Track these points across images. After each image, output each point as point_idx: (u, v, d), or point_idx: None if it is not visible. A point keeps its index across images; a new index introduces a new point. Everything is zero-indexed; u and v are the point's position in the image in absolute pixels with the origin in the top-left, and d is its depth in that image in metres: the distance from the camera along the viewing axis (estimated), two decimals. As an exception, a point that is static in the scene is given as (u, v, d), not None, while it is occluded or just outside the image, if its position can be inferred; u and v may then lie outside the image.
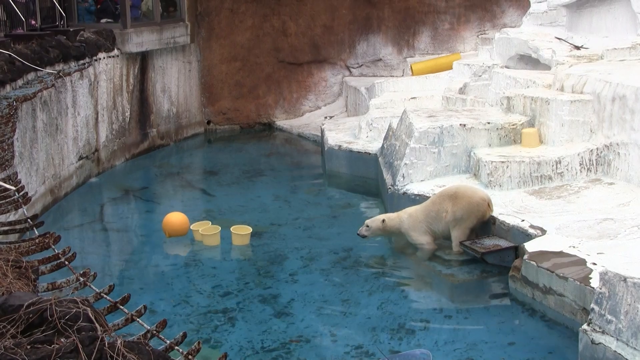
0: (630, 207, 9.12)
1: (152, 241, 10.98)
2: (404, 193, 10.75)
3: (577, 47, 13.20)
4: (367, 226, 10.04)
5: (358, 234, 10.07)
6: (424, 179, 10.81)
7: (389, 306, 8.39)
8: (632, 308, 5.89)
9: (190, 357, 5.41)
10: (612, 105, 10.22)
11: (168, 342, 5.60)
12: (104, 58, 14.81)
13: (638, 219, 8.63)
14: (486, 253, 9.02)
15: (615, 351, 6.00)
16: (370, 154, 13.29)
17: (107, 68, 14.94)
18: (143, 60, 16.40)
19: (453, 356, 7.19)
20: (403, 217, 9.95)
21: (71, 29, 14.65)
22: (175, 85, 17.79)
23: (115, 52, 15.31)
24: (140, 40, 15.91)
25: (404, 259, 9.87)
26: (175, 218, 10.77)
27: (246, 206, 12.48)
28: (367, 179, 13.15)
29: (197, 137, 18.58)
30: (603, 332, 6.19)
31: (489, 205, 9.38)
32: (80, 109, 13.76)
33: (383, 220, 10.02)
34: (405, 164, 10.93)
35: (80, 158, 13.80)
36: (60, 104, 12.86)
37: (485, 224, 9.47)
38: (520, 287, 8.12)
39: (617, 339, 6.02)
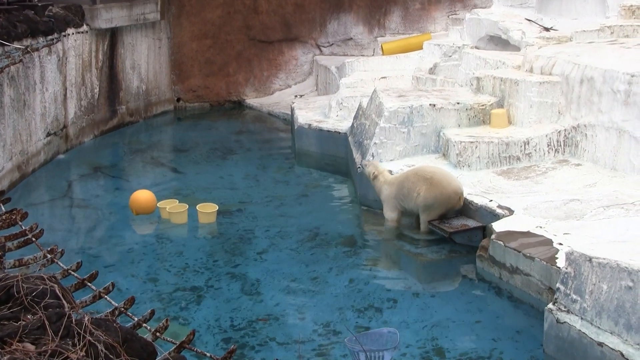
0: (597, 188, 9.22)
1: (121, 219, 10.92)
2: (374, 172, 10.76)
3: (547, 29, 13.28)
4: (366, 166, 10.34)
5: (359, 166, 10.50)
6: (393, 158, 10.84)
7: (357, 285, 8.42)
8: (597, 288, 5.97)
9: (158, 334, 5.41)
10: (580, 87, 10.30)
11: (136, 319, 5.60)
12: (73, 34, 14.65)
13: (604, 200, 8.73)
14: (454, 232, 9.09)
15: (579, 330, 6.08)
16: (340, 133, 13.29)
17: (76, 44, 14.78)
18: (112, 37, 16.24)
19: (420, 334, 7.24)
20: (384, 186, 10.00)
21: (39, 4, 14.46)
22: (145, 62, 17.65)
23: (84, 27, 15.14)
24: (109, 16, 15.74)
25: (373, 238, 9.91)
26: (142, 196, 10.72)
27: (215, 184, 12.45)
28: (336, 157, 13.16)
29: (167, 115, 18.47)
30: (568, 312, 6.26)
31: (460, 198, 9.33)
32: (49, 85, 13.61)
33: (375, 177, 10.13)
34: (375, 143, 10.95)
35: (48, 134, 13.67)
36: (28, 80, 12.72)
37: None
38: (488, 266, 8.19)
39: (582, 318, 6.10)
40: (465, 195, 9.38)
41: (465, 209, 9.34)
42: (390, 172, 10.30)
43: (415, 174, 9.71)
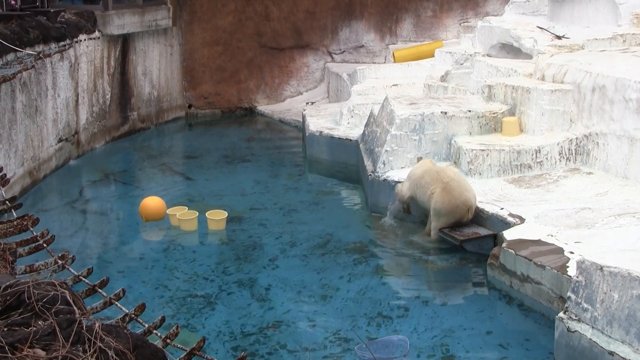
0: (608, 196, 9.19)
1: (132, 225, 10.95)
2: (384, 180, 10.77)
3: (559, 37, 13.25)
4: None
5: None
6: (404, 166, 10.83)
7: (368, 292, 8.42)
8: (608, 296, 5.95)
9: (168, 341, 5.41)
10: (592, 95, 10.27)
11: (146, 326, 5.60)
12: (85, 40, 14.71)
13: (615, 209, 8.70)
14: (465, 240, 9.07)
15: (590, 339, 6.06)
16: (351, 140, 13.29)
17: (88, 50, 14.84)
18: (124, 43, 16.30)
19: (430, 343, 7.23)
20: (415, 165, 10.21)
21: (51, 10, 14.54)
22: (157, 68, 17.70)
23: (97, 34, 15.20)
24: (121, 22, 15.80)
25: (384, 246, 9.89)
26: (152, 202, 10.74)
27: (226, 191, 12.47)
28: (347, 165, 13.16)
29: (178, 121, 18.50)
30: (579, 320, 6.24)
31: (468, 211, 9.26)
32: (60, 91, 13.67)
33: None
34: (386, 150, 10.95)
35: (60, 140, 13.72)
36: (40, 86, 12.78)
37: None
38: (498, 275, 8.17)
39: (593, 327, 6.08)
40: (477, 203, 9.35)
41: (477, 217, 9.32)
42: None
43: (437, 173, 9.65)
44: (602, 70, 10.37)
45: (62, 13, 14.52)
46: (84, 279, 6.31)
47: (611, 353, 5.83)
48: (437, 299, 8.34)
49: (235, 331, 7.58)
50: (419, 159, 10.61)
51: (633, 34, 12.41)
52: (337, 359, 6.98)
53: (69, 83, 14.05)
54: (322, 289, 8.57)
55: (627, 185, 9.48)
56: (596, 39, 12.44)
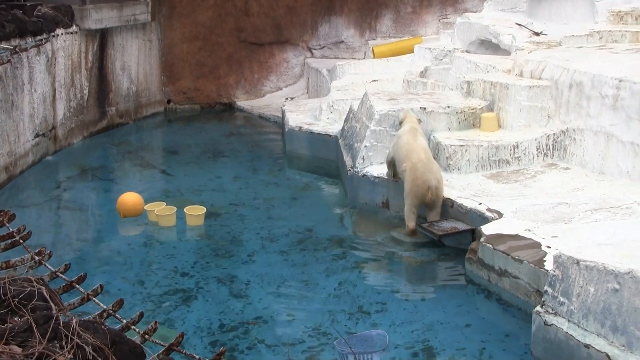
0: (585, 191, 9.26)
1: (109, 221, 10.90)
2: (364, 175, 10.79)
3: (537, 34, 13.31)
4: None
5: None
6: (383, 161, 10.84)
7: (347, 287, 8.44)
8: (584, 290, 6.00)
9: (147, 336, 5.40)
10: (569, 91, 10.33)
11: (124, 321, 5.59)
12: (62, 34, 14.62)
13: (592, 204, 8.77)
14: (444, 235, 9.10)
15: (566, 332, 6.11)
16: (330, 135, 13.29)
17: (65, 44, 14.75)
18: (102, 38, 16.21)
19: (409, 337, 7.26)
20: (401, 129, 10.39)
21: (28, 4, 14.41)
22: (135, 63, 17.62)
23: (74, 28, 15.11)
24: (99, 16, 15.72)
25: (363, 241, 9.91)
26: (130, 198, 10.70)
27: (205, 186, 12.44)
28: (327, 160, 13.16)
29: (157, 116, 18.43)
30: (555, 314, 6.29)
31: (428, 190, 9.40)
32: (37, 86, 13.58)
33: (400, 123, 10.61)
34: (366, 146, 10.97)
35: (37, 135, 13.64)
36: (16, 80, 12.69)
37: (443, 206, 9.53)
38: (477, 269, 8.21)
39: (569, 320, 6.13)
40: (454, 198, 9.40)
41: (455, 212, 9.36)
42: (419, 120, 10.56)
43: (411, 151, 9.79)
44: (579, 66, 10.44)
45: (39, 7, 14.41)
46: (61, 275, 6.28)
47: (587, 346, 5.88)
48: (416, 294, 8.38)
49: (214, 326, 7.57)
50: (404, 117, 10.59)
51: (609, 31, 12.49)
52: (316, 354, 7.00)
53: (46, 78, 13.96)
54: (301, 284, 8.58)
55: (603, 180, 9.55)
56: (573, 36, 12.51)
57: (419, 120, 10.56)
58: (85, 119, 15.72)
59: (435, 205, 9.49)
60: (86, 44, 15.58)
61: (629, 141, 9.39)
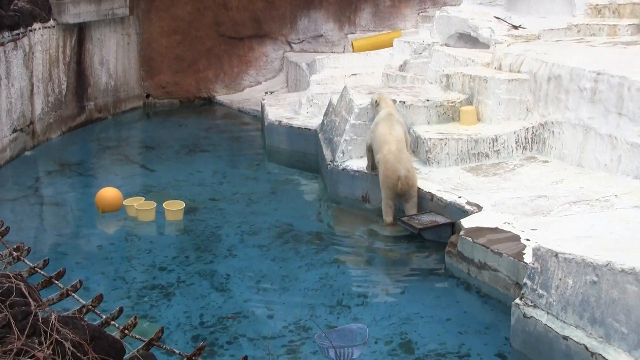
0: (563, 184, 9.31)
1: (88, 216, 10.85)
2: (344, 169, 10.80)
3: (515, 27, 13.36)
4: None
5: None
6: (363, 155, 10.85)
7: (327, 281, 8.44)
8: (563, 282, 6.03)
9: (126, 332, 5.39)
10: (548, 84, 10.38)
11: (104, 317, 5.57)
12: (40, 29, 14.51)
13: (570, 196, 8.83)
14: (423, 229, 9.13)
15: (545, 324, 6.15)
16: (310, 129, 13.29)
17: (43, 39, 14.64)
18: (80, 32, 16.10)
19: (389, 330, 7.28)
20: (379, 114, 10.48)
21: (5, -2, 14.30)
22: (114, 57, 17.52)
23: (51, 22, 15.00)
24: (77, 11, 15.60)
25: (343, 235, 9.92)
26: (108, 194, 10.66)
27: (185, 181, 12.40)
28: (306, 154, 13.15)
29: (136, 111, 18.33)
30: (534, 306, 6.32)
31: (398, 179, 9.56)
32: (15, 81, 13.48)
33: (377, 105, 10.70)
34: (345, 140, 10.97)
35: (15, 131, 13.54)
36: (-6, 75, 12.60)
37: (422, 200, 9.56)
38: (456, 262, 8.24)
39: (548, 313, 6.17)
40: (434, 191, 9.44)
41: (435, 205, 9.40)
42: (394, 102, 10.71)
43: (384, 142, 9.91)
44: (558, 60, 10.49)
45: (16, 1, 14.28)
46: (39, 270, 6.26)
47: (565, 338, 5.92)
48: (396, 287, 8.40)
49: (195, 321, 7.56)
50: (379, 100, 10.67)
51: (587, 24, 12.56)
52: (297, 348, 7.00)
53: (24, 72, 13.86)
54: (281, 278, 8.58)
55: (581, 173, 9.61)
56: (552, 29, 12.57)
57: (394, 101, 10.61)
58: (64, 113, 15.62)
59: (409, 195, 9.58)
60: (64, 39, 15.47)
61: (606, 134, 9.45)
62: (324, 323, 7.38)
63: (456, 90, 11.56)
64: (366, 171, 10.48)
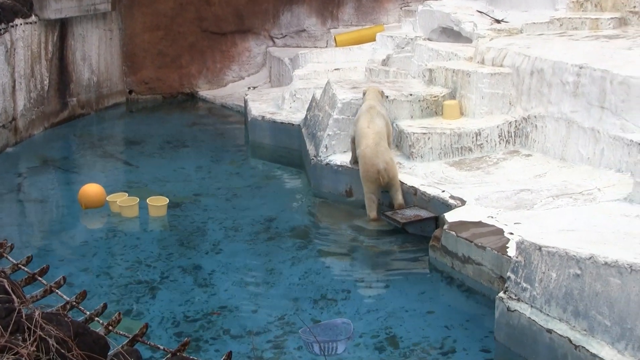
0: (546, 178, 9.35)
1: (72, 212, 10.81)
2: (327, 164, 10.80)
3: (498, 21, 13.40)
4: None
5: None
6: (346, 150, 10.86)
7: (311, 276, 8.45)
8: (546, 276, 6.06)
9: (110, 328, 5.38)
10: (531, 78, 10.42)
11: (88, 313, 5.56)
12: (21, 24, 14.42)
13: (553, 190, 8.87)
14: (407, 223, 9.15)
15: (529, 317, 6.17)
16: (293, 124, 13.28)
17: (25, 35, 14.55)
18: (62, 28, 16.02)
19: (373, 324, 7.29)
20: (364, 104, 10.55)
21: (-14, -6, 14.22)
22: (96, 53, 17.44)
23: (33, 18, 14.91)
24: (59, 6, 15.52)
25: (327, 230, 9.93)
26: (91, 190, 10.62)
27: (168, 177, 12.37)
28: (290, 149, 13.16)
29: (119, 107, 18.27)
30: (518, 300, 6.35)
31: (378, 173, 9.62)
32: (-4, 77, 13.41)
33: (363, 94, 10.81)
34: (328, 134, 10.97)
35: (-3, 127, 13.48)
36: (-24, 72, 12.52)
37: (406, 194, 9.58)
38: (440, 256, 8.26)
39: (532, 306, 6.20)
40: (418, 186, 9.45)
41: (418, 199, 9.41)
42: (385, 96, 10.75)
43: (363, 136, 9.98)
44: (540, 53, 10.53)
45: (-3, -3, 14.21)
46: (23, 267, 6.23)
47: (549, 331, 5.95)
48: (380, 282, 8.41)
49: (179, 317, 7.55)
50: (365, 91, 10.79)
51: (569, 18, 12.61)
52: (281, 343, 7.00)
53: (5, 68, 13.77)
54: (265, 273, 8.58)
55: (564, 167, 9.65)
56: (534, 23, 12.61)
57: (382, 93, 10.64)
58: (46, 109, 15.54)
59: (392, 186, 9.63)
60: (46, 34, 15.39)
61: (589, 127, 9.49)
62: (308, 318, 7.38)
63: (439, 84, 11.58)
64: (350, 165, 10.49)
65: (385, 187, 9.71)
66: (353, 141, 10.32)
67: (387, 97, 10.82)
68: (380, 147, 9.83)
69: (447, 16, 14.14)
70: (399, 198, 9.57)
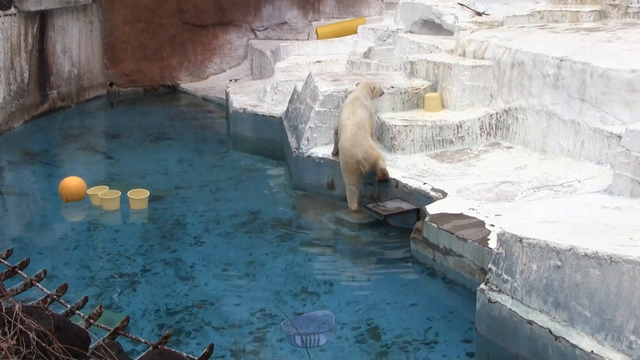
0: (527, 170, 9.39)
1: (53, 206, 10.75)
2: (309, 156, 10.80)
3: (479, 14, 13.43)
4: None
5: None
6: (328, 142, 10.86)
7: (293, 269, 8.45)
8: (527, 267, 6.09)
9: (91, 321, 5.37)
10: (511, 71, 10.45)
11: (69, 306, 5.54)
12: (1, 16, 14.31)
13: (534, 182, 8.90)
14: (389, 215, 9.16)
15: (510, 309, 6.21)
16: (275, 117, 13.27)
17: (4, 27, 14.45)
18: (42, 20, 15.91)
19: (355, 317, 7.30)
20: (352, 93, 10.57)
21: (-35, -14, 14.11)
22: (77, 45, 17.34)
23: (12, 10, 14.80)
24: (38, -2, 15.42)
25: (308, 222, 9.93)
26: (72, 182, 10.58)
27: (149, 170, 12.33)
28: (272, 142, 13.15)
29: (100, 100, 18.19)
30: (499, 291, 6.38)
31: (358, 163, 9.66)
32: (-24, 69, 13.31)
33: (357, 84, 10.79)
34: (310, 127, 10.97)
35: (-24, 120, 13.38)
36: (-46, 64, 12.41)
37: (387, 186, 9.60)
38: (422, 248, 8.28)
39: (512, 297, 6.23)
40: (399, 178, 9.47)
41: (400, 192, 9.43)
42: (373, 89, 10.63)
43: (342, 128, 9.99)
44: (521, 46, 10.56)
45: (-24, -11, 14.10)
46: (3, 260, 6.20)
47: (530, 322, 5.98)
48: (362, 274, 8.42)
49: (161, 309, 7.53)
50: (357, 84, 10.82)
51: (550, 10, 12.66)
52: (263, 335, 7.01)
53: (-15, 61, 13.68)
54: (247, 266, 8.57)
55: (545, 159, 9.70)
56: (515, 16, 12.65)
57: (373, 89, 10.60)
58: (26, 102, 15.45)
59: (376, 167, 9.66)
60: (25, 27, 15.28)
61: (569, 120, 9.53)
62: (290, 310, 7.39)
63: (420, 77, 11.60)
64: (332, 157, 10.48)
65: (373, 172, 9.71)
66: (336, 132, 10.33)
67: (382, 93, 10.74)
68: (357, 137, 9.81)
69: (428, 9, 14.15)
70: (381, 169, 9.65)
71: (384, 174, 9.55)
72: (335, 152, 10.32)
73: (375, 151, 9.76)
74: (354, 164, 9.70)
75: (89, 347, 4.78)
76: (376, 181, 9.72)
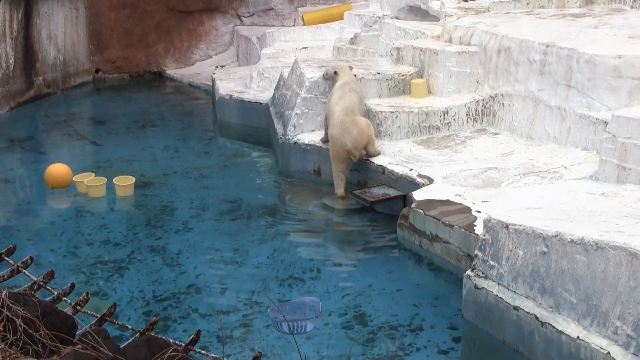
0: (513, 156, 9.42)
1: (39, 193, 10.72)
2: (295, 143, 10.79)
3: (465, 0, 13.41)
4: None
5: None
6: (314, 128, 10.86)
7: (280, 255, 8.46)
8: (513, 254, 6.12)
9: (78, 307, 5.36)
10: (498, 57, 10.45)
11: (56, 293, 5.53)
12: (-15, 2, 14.23)
13: (520, 168, 8.93)
14: (375, 202, 9.17)
15: (496, 295, 6.24)
16: (261, 103, 13.25)
17: (-12, 13, 14.36)
18: (27, 6, 15.80)
19: (342, 303, 7.32)
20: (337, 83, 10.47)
21: (-52, -29, 13.99)
22: (62, 32, 17.24)
23: (-3, -4, 14.72)
24: (23, -16, 15.32)
25: (295, 209, 9.93)
26: (58, 169, 10.54)
27: (136, 156, 12.30)
28: (258, 128, 13.13)
29: (86, 86, 18.11)
30: (486, 277, 6.41)
31: (348, 152, 9.65)
32: (-40, 56, 13.21)
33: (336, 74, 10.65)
34: (297, 113, 10.95)
35: (-39, 106, 13.30)
36: (-62, 50, 12.32)
37: (374, 172, 9.62)
38: (408, 235, 8.30)
39: (499, 284, 6.26)
40: (386, 164, 9.48)
41: (386, 178, 9.44)
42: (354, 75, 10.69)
43: (330, 114, 9.98)
44: (507, 32, 10.56)
45: (-40, -26, 13.98)
46: (-12, 247, 6.16)
47: (516, 308, 6.01)
48: (348, 260, 8.44)
49: (148, 296, 7.53)
50: (335, 71, 10.73)
51: (537, -4, 12.67)
52: (250, 322, 7.02)
53: (-31, 47, 13.59)
54: (233, 252, 8.58)
55: (531, 145, 9.72)
56: (501, 2, 12.64)
57: (350, 67, 10.67)
58: (12, 89, 15.36)
59: (368, 150, 9.76)
60: (10, 13, 15.17)
61: (556, 106, 9.55)
62: (276, 297, 7.40)
63: (407, 63, 11.59)
64: (321, 143, 10.46)
65: (364, 155, 9.78)
66: (326, 118, 10.31)
67: (355, 75, 10.78)
68: (345, 125, 9.76)
69: (415, -5, 14.12)
70: (372, 152, 9.75)
71: (374, 155, 9.70)
72: (326, 139, 10.29)
73: (364, 135, 9.69)
74: (344, 153, 9.68)
75: (76, 333, 4.78)
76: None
